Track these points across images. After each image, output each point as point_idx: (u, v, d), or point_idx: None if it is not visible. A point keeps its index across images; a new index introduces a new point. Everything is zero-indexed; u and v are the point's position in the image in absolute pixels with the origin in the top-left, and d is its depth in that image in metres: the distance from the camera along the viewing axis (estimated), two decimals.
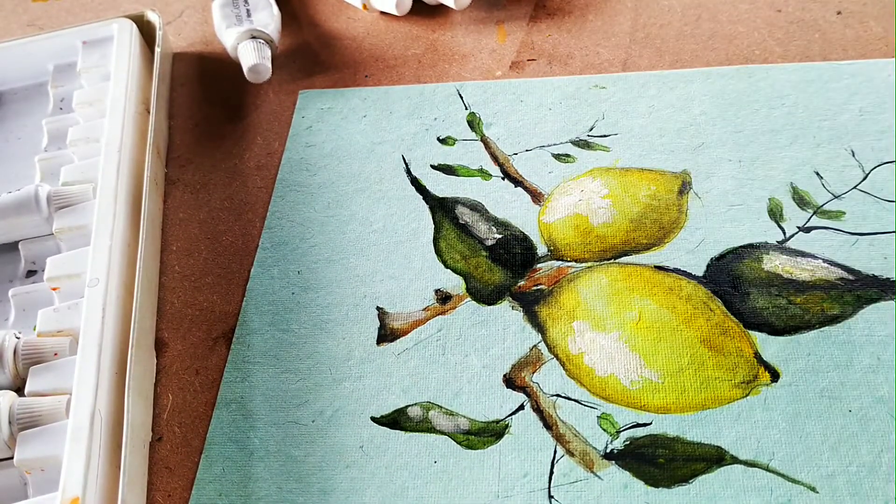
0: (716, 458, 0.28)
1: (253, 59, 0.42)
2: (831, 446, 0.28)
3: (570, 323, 0.32)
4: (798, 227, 0.34)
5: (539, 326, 0.32)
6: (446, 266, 0.35)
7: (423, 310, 0.33)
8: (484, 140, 0.39)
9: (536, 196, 0.37)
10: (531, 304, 0.33)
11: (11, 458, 0.29)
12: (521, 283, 0.34)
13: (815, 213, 0.34)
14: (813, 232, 0.33)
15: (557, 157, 0.38)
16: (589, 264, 0.34)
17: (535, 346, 0.32)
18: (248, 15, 0.44)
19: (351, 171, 0.39)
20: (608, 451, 0.29)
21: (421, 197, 0.37)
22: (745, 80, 0.39)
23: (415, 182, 0.38)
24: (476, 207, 0.37)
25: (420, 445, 0.30)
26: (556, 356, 0.31)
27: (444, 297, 0.34)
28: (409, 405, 0.31)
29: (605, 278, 0.33)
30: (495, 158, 0.38)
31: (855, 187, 0.35)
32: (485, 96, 0.41)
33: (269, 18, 0.44)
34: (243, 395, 0.32)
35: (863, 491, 0.27)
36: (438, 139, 0.40)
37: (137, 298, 0.33)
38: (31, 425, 0.30)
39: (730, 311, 0.32)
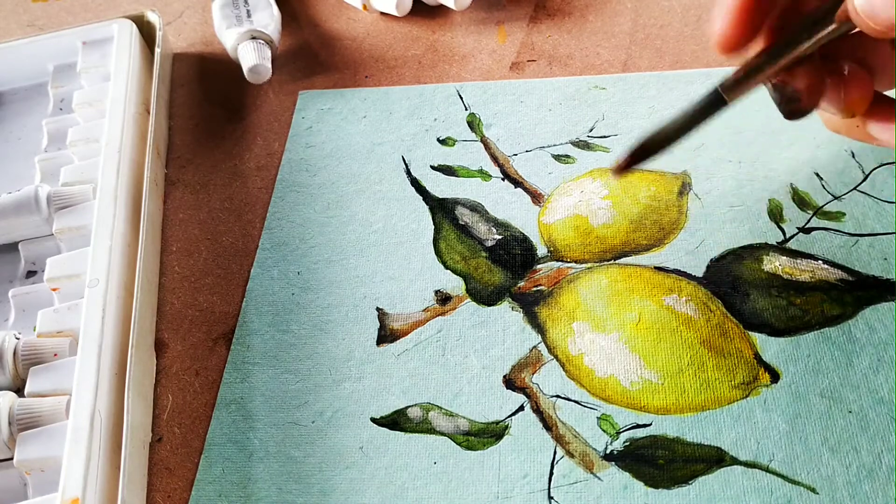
0: (715, 459, 0.28)
1: (253, 59, 0.42)
2: (831, 447, 0.28)
3: (570, 324, 0.32)
4: (798, 228, 0.34)
5: (539, 327, 0.32)
6: (446, 267, 0.35)
7: (423, 311, 0.33)
8: (484, 141, 0.39)
9: (536, 197, 0.37)
10: (531, 305, 0.33)
11: (11, 458, 0.29)
12: (521, 283, 0.34)
13: (815, 214, 0.34)
14: (813, 233, 0.33)
15: (557, 157, 0.38)
16: (589, 265, 0.34)
17: (534, 346, 0.32)
18: (249, 15, 0.44)
19: (351, 171, 0.39)
20: (608, 452, 0.29)
21: (421, 198, 0.37)
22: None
23: (415, 183, 0.38)
24: (476, 208, 0.37)
25: (420, 446, 0.30)
26: (556, 357, 0.31)
27: (443, 298, 0.34)
28: (409, 406, 0.31)
29: (605, 279, 0.33)
30: (495, 159, 0.38)
31: (855, 188, 0.34)
32: (485, 97, 0.41)
33: (269, 19, 0.44)
34: (243, 396, 0.32)
35: (863, 492, 0.27)
36: (438, 140, 0.40)
37: (137, 299, 0.33)
38: (30, 426, 0.30)
39: (730, 311, 0.32)
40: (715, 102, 0.27)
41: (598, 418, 0.30)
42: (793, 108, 0.27)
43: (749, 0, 0.25)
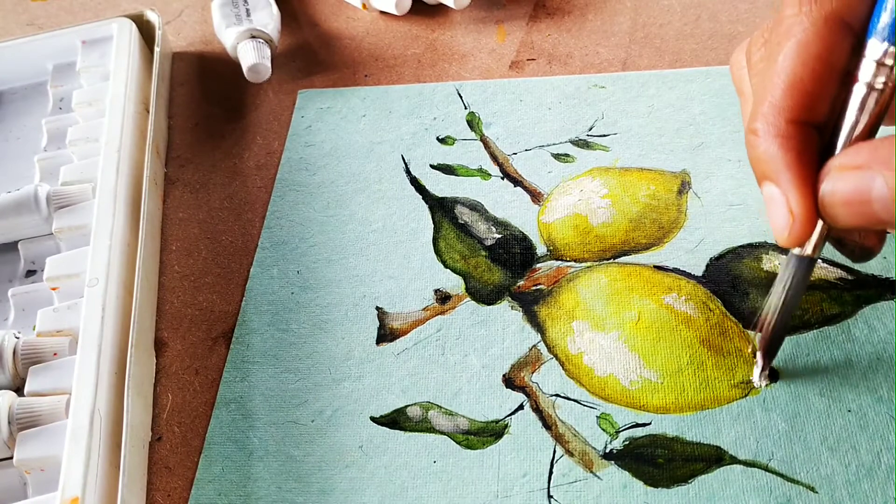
0: (715, 458, 0.28)
1: (252, 58, 0.42)
2: (830, 446, 0.28)
3: (570, 323, 0.32)
4: None
5: (538, 326, 0.32)
6: (445, 266, 0.35)
7: (423, 310, 0.33)
8: (483, 140, 0.39)
9: (536, 196, 0.37)
10: (530, 304, 0.33)
11: (11, 457, 0.29)
12: (521, 282, 0.34)
13: None
14: None
15: (557, 156, 0.38)
16: (588, 264, 0.34)
17: (534, 346, 0.32)
18: (248, 14, 0.44)
19: (350, 170, 0.39)
20: (607, 451, 0.29)
21: (420, 197, 0.37)
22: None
23: (414, 182, 0.38)
24: (475, 207, 0.37)
25: (419, 445, 0.30)
26: (556, 356, 0.31)
27: (443, 297, 0.34)
28: (409, 405, 0.31)
29: (605, 278, 0.33)
30: (495, 158, 0.38)
31: None
32: (484, 96, 0.41)
33: (268, 18, 0.44)
34: (243, 395, 0.32)
35: (862, 491, 0.27)
36: (438, 139, 0.40)
37: (137, 298, 0.33)
38: (30, 425, 0.30)
39: (729, 310, 0.32)
40: (810, 266, 0.27)
41: (598, 417, 0.30)
42: (858, 256, 0.28)
43: (813, 203, 0.25)
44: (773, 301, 0.28)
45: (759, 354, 0.29)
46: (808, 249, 0.26)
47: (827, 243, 0.27)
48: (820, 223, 0.25)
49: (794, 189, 0.25)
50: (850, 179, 0.24)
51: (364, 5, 0.47)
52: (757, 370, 0.29)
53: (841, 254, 0.28)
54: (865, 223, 0.24)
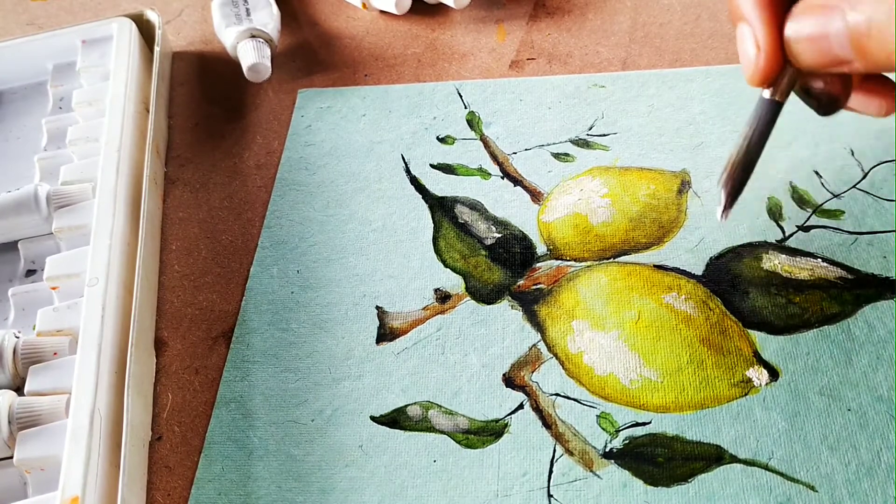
0: (715, 457, 0.28)
1: (252, 58, 0.42)
2: (830, 445, 0.28)
3: (570, 322, 0.32)
4: (797, 227, 0.34)
5: (538, 326, 0.32)
6: (445, 265, 0.35)
7: (423, 309, 0.33)
8: (483, 139, 0.39)
9: (536, 195, 0.37)
10: (530, 304, 0.33)
11: (11, 457, 0.29)
12: (521, 282, 0.34)
13: (814, 212, 0.34)
14: (812, 231, 0.33)
15: (557, 156, 0.38)
16: (588, 263, 0.34)
17: (534, 345, 0.32)
18: (248, 14, 0.44)
19: (350, 170, 0.39)
20: (607, 450, 0.29)
21: (420, 196, 0.37)
22: (744, 79, 0.39)
23: (414, 181, 0.38)
24: (475, 206, 0.37)
25: (419, 445, 0.30)
26: (556, 355, 0.31)
27: (443, 297, 0.34)
28: (409, 404, 0.31)
29: (605, 277, 0.33)
30: (494, 157, 0.38)
31: (854, 186, 0.35)
32: (484, 95, 0.41)
33: (268, 17, 0.44)
34: (243, 395, 0.32)
35: (862, 490, 0.27)
36: (438, 138, 0.40)
37: (137, 298, 0.33)
38: (30, 425, 0.30)
39: (729, 310, 0.32)
40: (776, 110, 0.28)
41: (598, 416, 0.30)
42: (825, 107, 0.28)
43: (777, 38, 0.26)
44: (740, 142, 0.28)
45: (722, 193, 0.28)
46: (777, 94, 0.27)
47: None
48: (789, 71, 0.27)
49: (761, 24, 0.26)
50: (813, 16, 0.25)
51: (364, 5, 0.47)
52: (719, 209, 0.28)
53: (808, 106, 0.29)
54: (827, 61, 0.25)
